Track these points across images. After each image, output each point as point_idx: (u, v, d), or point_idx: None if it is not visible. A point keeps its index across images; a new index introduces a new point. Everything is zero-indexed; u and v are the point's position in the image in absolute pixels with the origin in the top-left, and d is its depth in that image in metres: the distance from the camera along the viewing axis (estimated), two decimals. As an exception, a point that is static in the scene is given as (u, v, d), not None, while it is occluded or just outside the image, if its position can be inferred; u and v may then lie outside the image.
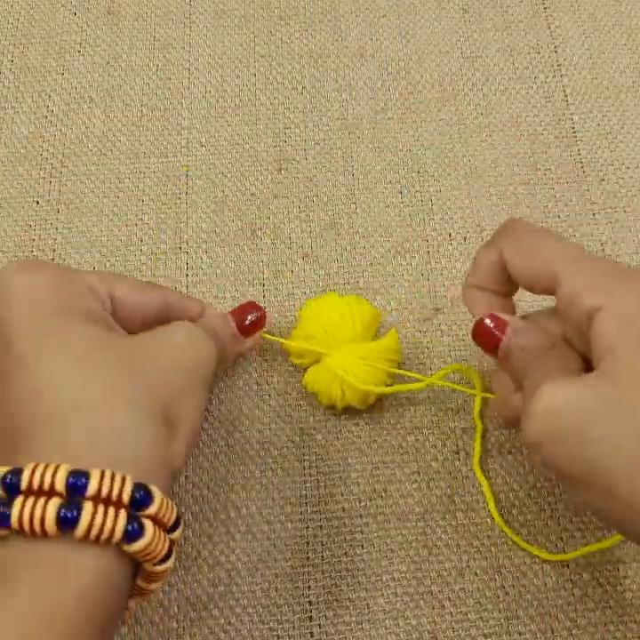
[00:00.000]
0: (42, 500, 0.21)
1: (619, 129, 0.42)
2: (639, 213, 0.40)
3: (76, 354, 0.24)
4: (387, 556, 0.32)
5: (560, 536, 0.33)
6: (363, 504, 0.33)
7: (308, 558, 0.32)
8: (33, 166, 0.41)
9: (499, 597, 0.32)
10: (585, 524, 0.33)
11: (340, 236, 0.39)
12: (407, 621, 0.31)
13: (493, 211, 0.40)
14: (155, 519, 0.23)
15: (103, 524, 0.21)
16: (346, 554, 0.32)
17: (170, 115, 0.43)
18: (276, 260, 0.39)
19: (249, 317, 0.33)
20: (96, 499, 0.21)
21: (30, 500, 0.21)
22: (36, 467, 0.21)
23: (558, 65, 0.44)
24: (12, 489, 0.21)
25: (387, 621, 0.31)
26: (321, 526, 0.33)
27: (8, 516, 0.21)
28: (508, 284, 0.29)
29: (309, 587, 0.32)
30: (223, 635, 0.31)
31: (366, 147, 0.42)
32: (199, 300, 0.34)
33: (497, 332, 0.27)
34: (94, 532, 0.21)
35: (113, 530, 0.21)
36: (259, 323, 0.33)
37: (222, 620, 0.31)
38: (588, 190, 0.40)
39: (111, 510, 0.21)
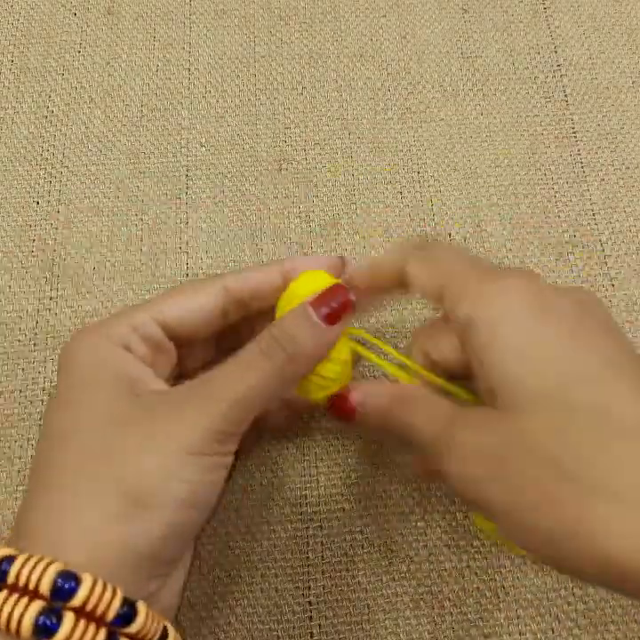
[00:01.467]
0: (23, 601, 0.20)
1: (619, 129, 0.42)
2: (639, 213, 0.40)
3: (67, 435, 0.25)
4: (387, 556, 0.32)
5: (560, 536, 0.33)
6: (363, 504, 0.33)
7: (308, 558, 0.32)
8: (33, 166, 0.41)
9: (499, 597, 0.32)
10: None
11: (340, 235, 0.39)
12: (407, 621, 0.31)
13: (493, 211, 0.40)
14: (135, 637, 0.22)
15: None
16: (346, 554, 0.32)
17: (170, 115, 0.43)
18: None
19: (331, 304, 0.27)
20: (80, 610, 0.21)
21: (12, 598, 0.20)
22: (26, 560, 0.21)
23: (558, 65, 0.44)
24: (1, 580, 0.21)
25: (387, 621, 0.31)
26: (321, 526, 0.33)
27: None
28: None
29: (309, 587, 0.32)
30: (223, 635, 0.31)
31: (366, 147, 0.42)
32: (276, 264, 0.29)
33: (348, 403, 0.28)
34: None
35: None
36: (344, 307, 0.27)
37: (222, 620, 0.31)
38: (588, 190, 0.40)
39: (92, 627, 0.20)
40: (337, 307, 0.27)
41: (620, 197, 0.40)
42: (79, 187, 0.40)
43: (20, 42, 0.45)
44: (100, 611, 0.21)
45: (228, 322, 0.30)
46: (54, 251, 0.39)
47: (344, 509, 0.33)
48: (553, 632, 0.31)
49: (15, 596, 0.21)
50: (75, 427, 0.25)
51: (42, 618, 0.20)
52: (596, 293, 0.37)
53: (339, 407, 0.28)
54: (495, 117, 0.42)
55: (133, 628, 0.21)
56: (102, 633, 0.21)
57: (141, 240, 0.39)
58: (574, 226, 0.39)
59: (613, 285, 0.38)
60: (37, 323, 0.37)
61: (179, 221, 0.40)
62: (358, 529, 0.33)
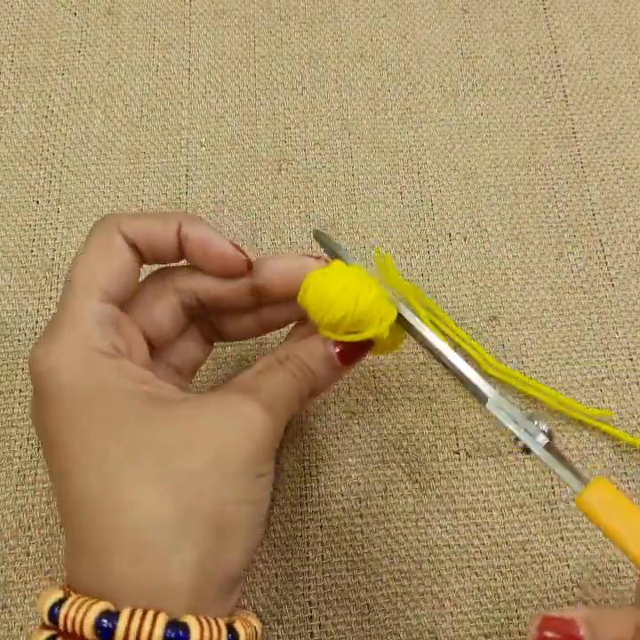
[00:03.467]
0: None
1: (619, 129, 0.42)
2: (639, 213, 0.40)
3: (116, 462, 0.23)
4: (387, 556, 0.32)
5: (560, 536, 0.33)
6: (363, 504, 0.33)
7: (308, 558, 0.32)
8: (33, 166, 0.41)
9: (499, 597, 0.32)
10: (585, 524, 0.33)
11: (340, 235, 0.39)
12: (407, 621, 0.31)
13: (493, 211, 0.40)
14: None
15: None
16: (346, 554, 0.32)
17: (170, 115, 0.43)
18: (276, 259, 0.39)
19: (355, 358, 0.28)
20: None
21: None
22: (71, 604, 0.21)
23: (558, 65, 0.44)
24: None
25: (387, 621, 0.31)
26: (321, 526, 0.33)
27: None
28: None
29: (309, 587, 0.32)
30: (223, 635, 0.31)
31: (366, 147, 0.42)
32: (173, 215, 0.28)
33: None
34: None
35: None
36: (364, 349, 0.28)
37: (222, 620, 0.31)
38: (588, 190, 0.40)
39: None
40: (358, 348, 0.28)
41: (619, 197, 0.40)
42: (79, 187, 0.40)
43: (20, 42, 0.45)
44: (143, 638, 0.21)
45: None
46: (54, 251, 0.39)
47: (344, 509, 0.33)
48: (553, 632, 0.31)
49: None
50: (105, 459, 0.23)
51: None
52: (596, 293, 0.37)
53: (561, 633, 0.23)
54: (495, 117, 0.43)
55: None
56: None
57: (141, 240, 0.39)
58: (574, 226, 0.39)
59: (613, 285, 0.38)
60: (37, 323, 0.37)
61: (179, 221, 0.40)
62: (358, 529, 0.33)
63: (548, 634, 0.22)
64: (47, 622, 0.22)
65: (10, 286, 0.38)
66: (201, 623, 0.22)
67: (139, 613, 0.21)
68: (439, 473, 0.34)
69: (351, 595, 0.32)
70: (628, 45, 0.44)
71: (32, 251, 0.39)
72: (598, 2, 0.46)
